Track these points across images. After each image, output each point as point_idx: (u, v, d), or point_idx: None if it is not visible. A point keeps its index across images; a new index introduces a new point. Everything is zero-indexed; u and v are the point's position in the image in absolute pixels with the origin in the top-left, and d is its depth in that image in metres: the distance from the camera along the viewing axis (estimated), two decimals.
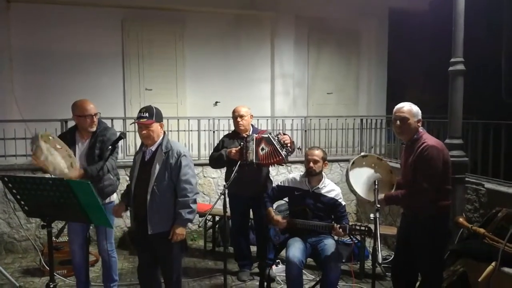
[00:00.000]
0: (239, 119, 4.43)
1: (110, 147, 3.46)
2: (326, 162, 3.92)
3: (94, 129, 3.66)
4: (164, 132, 3.40)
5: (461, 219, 3.82)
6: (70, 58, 6.90)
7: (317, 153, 3.87)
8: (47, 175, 3.27)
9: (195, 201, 3.30)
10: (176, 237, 3.23)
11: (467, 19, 4.14)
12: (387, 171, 3.50)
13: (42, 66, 6.82)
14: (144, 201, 3.24)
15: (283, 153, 4.09)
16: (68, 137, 3.73)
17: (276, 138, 4.14)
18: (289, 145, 4.16)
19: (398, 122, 3.23)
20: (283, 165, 4.76)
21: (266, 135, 4.20)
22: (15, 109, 6.65)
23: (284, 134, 4.32)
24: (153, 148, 3.32)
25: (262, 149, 4.13)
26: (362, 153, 3.73)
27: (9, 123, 5.80)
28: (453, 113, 4.24)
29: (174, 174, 3.24)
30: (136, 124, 3.31)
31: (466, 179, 4.41)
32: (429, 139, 3.17)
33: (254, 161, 4.13)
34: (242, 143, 4.20)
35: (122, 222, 5.81)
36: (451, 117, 4.26)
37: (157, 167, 3.24)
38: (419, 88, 8.56)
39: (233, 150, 4.23)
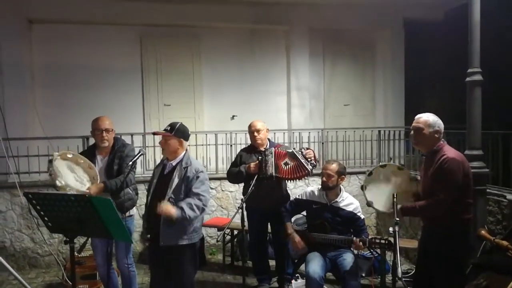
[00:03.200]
0: (255, 134, 4.46)
1: (130, 163, 3.52)
2: (343, 176, 3.90)
3: (105, 144, 3.76)
4: (186, 150, 3.49)
5: (483, 232, 3.74)
6: (90, 75, 7.06)
7: (332, 168, 3.86)
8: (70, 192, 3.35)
9: (198, 208, 3.28)
10: (160, 208, 3.16)
11: (483, 27, 4.10)
12: (407, 180, 3.45)
13: (63, 83, 6.99)
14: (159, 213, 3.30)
15: (309, 167, 4.12)
16: (87, 153, 3.85)
17: (300, 152, 4.18)
18: (313, 159, 4.18)
19: (412, 132, 3.23)
20: (307, 179, 4.79)
21: (290, 150, 4.24)
22: (38, 126, 6.82)
23: (308, 148, 4.32)
24: (174, 163, 3.44)
25: (286, 163, 4.16)
26: (381, 163, 3.69)
27: (33, 141, 5.95)
28: (472, 123, 4.18)
29: (189, 188, 3.32)
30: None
31: (488, 190, 4.32)
32: (449, 151, 3.13)
33: (274, 174, 4.15)
34: (260, 157, 4.23)
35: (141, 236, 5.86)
36: (470, 127, 4.20)
37: (176, 180, 3.34)
38: (437, 98, 8.47)
39: (252, 165, 4.25)
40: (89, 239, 4.00)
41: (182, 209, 3.20)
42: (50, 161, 3.48)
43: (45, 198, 2.69)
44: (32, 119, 6.84)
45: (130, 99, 7.28)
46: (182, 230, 3.33)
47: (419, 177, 3.58)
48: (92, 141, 5.72)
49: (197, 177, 3.33)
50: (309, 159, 4.15)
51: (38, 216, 2.76)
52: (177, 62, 7.47)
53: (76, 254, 2.90)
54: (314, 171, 6.10)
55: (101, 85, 7.10)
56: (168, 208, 3.16)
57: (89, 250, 5.03)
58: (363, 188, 3.47)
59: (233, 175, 4.49)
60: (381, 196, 3.40)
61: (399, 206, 3.20)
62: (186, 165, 3.37)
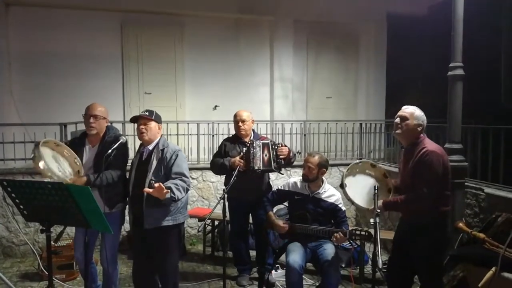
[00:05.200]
0: (240, 124, 4.44)
1: (109, 151, 3.42)
2: (323, 169, 3.89)
3: (93, 132, 3.61)
4: (162, 135, 3.55)
5: (460, 224, 3.81)
6: (69, 62, 6.90)
7: (313, 160, 3.85)
8: (46, 179, 3.25)
9: (184, 189, 3.27)
10: (157, 186, 3.06)
11: (466, 23, 4.14)
12: (382, 175, 3.50)
13: (41, 69, 6.82)
14: (142, 199, 3.27)
15: (274, 165, 4.18)
16: (77, 141, 3.71)
17: (275, 148, 4.19)
18: (282, 158, 4.21)
19: (397, 120, 3.24)
20: (282, 174, 4.84)
21: (267, 141, 4.26)
22: (14, 113, 6.64)
23: (285, 145, 4.33)
24: (150, 147, 3.47)
25: (266, 154, 4.18)
26: (356, 161, 3.72)
27: (8, 127, 5.79)
28: (452, 117, 4.23)
29: (168, 169, 3.34)
30: (135, 124, 3.52)
31: (466, 183, 4.40)
32: (430, 144, 3.17)
33: (261, 168, 4.14)
34: (245, 149, 4.22)
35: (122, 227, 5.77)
36: (451, 121, 4.25)
37: (154, 163, 3.37)
38: (418, 92, 8.57)
39: (237, 160, 4.22)
40: (73, 232, 3.93)
41: (170, 189, 3.16)
42: (37, 145, 3.30)
43: (21, 185, 2.60)
44: (9, 105, 6.66)
45: (110, 86, 7.15)
46: (165, 211, 3.35)
47: (397, 170, 3.61)
48: (70, 128, 5.67)
49: (176, 155, 3.36)
50: (278, 156, 4.20)
51: (13, 204, 2.67)
52: (159, 50, 7.38)
53: (53, 243, 2.83)
54: (296, 163, 6.16)
55: (80, 71, 6.95)
56: (161, 186, 3.06)
57: (66, 240, 4.97)
58: (342, 186, 3.46)
59: (217, 167, 4.45)
60: (360, 193, 3.41)
61: (381, 202, 3.23)
62: (163, 146, 3.42)
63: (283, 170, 4.43)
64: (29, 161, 5.58)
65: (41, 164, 3.22)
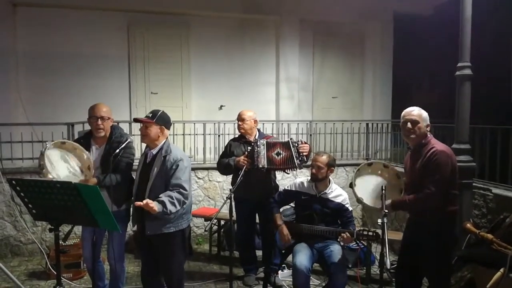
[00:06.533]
0: (240, 123, 4.49)
1: (117, 151, 3.43)
2: (332, 168, 3.89)
3: (101, 134, 3.61)
4: (167, 138, 3.44)
5: (468, 225, 3.79)
6: (76, 62, 6.92)
7: (322, 160, 3.84)
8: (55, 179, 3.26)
9: (179, 202, 3.19)
10: (144, 203, 3.03)
11: (474, 22, 4.11)
12: (394, 176, 3.48)
13: (48, 69, 6.84)
14: None
15: (297, 162, 4.11)
16: (83, 141, 3.68)
17: (296, 144, 4.16)
18: (305, 154, 4.16)
19: (409, 124, 3.21)
20: (288, 173, 4.81)
21: (286, 140, 4.25)
22: (21, 112, 6.67)
23: (305, 143, 4.27)
24: (154, 151, 3.38)
25: (278, 153, 4.16)
26: (368, 161, 3.70)
27: (16, 126, 5.82)
28: (460, 118, 4.21)
29: (168, 178, 3.25)
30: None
31: (474, 184, 4.38)
32: (438, 144, 3.16)
33: (265, 166, 4.13)
34: (249, 148, 4.22)
35: (128, 226, 5.79)
36: (458, 122, 4.23)
37: (155, 170, 3.29)
38: (425, 92, 8.53)
39: (241, 159, 4.22)
40: (80, 231, 3.94)
41: (163, 203, 3.10)
42: (42, 154, 3.27)
43: (30, 184, 2.62)
44: (15, 105, 6.69)
45: (117, 86, 7.16)
46: (166, 219, 3.28)
47: (403, 170, 3.60)
48: (77, 128, 5.69)
49: (177, 165, 3.23)
50: (301, 154, 4.14)
51: (21, 203, 2.68)
52: (165, 50, 7.38)
53: (61, 242, 2.84)
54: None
55: (87, 71, 6.97)
56: (148, 203, 3.04)
57: (73, 239, 4.99)
58: (351, 185, 3.45)
59: (222, 167, 4.47)
60: (370, 192, 3.40)
61: (389, 201, 3.21)
62: (166, 153, 3.30)
63: (288, 170, 4.39)
64: (36, 160, 5.62)
65: (50, 177, 3.19)
